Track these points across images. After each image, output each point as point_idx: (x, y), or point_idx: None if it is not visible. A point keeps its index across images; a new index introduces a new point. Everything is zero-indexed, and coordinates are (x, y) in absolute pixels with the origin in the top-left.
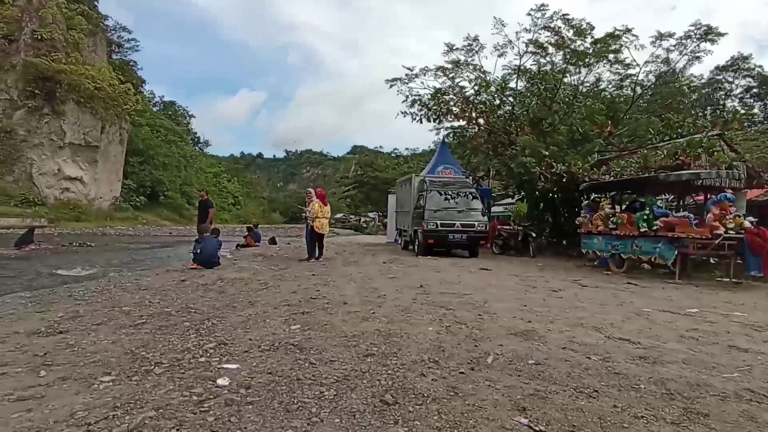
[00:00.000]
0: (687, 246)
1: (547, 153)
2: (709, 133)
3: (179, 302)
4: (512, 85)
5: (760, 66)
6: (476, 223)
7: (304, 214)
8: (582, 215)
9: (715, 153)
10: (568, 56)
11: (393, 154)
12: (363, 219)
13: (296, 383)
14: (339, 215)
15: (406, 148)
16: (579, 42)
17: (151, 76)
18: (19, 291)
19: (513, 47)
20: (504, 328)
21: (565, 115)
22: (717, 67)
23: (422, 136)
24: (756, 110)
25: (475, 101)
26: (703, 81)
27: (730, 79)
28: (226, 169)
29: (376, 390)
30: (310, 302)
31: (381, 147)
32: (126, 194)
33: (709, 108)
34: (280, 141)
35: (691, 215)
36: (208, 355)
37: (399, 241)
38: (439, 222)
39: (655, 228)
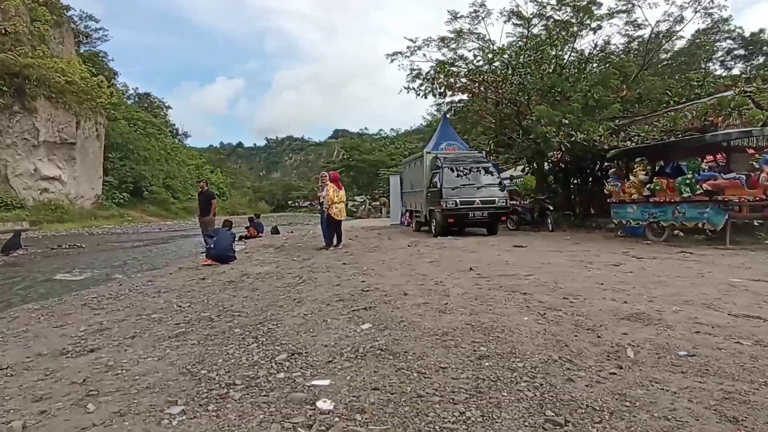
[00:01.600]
0: (738, 209)
1: (566, 121)
2: (742, 88)
3: (213, 304)
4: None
5: (740, 27)
6: (496, 199)
7: (318, 201)
8: (610, 184)
9: (746, 111)
10: (550, 26)
11: (378, 136)
12: (351, 203)
13: (420, 402)
14: None
15: (392, 129)
16: (562, 11)
17: (123, 68)
18: (24, 303)
19: (519, 14)
20: (607, 312)
21: (575, 81)
22: (698, 31)
23: (405, 116)
24: (736, 71)
25: (487, 71)
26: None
27: (711, 42)
28: (208, 161)
29: (528, 405)
30: (364, 295)
31: (366, 129)
32: (108, 192)
33: (692, 71)
34: (261, 129)
35: (742, 176)
36: (286, 369)
37: (405, 223)
38: (458, 200)
39: (699, 192)
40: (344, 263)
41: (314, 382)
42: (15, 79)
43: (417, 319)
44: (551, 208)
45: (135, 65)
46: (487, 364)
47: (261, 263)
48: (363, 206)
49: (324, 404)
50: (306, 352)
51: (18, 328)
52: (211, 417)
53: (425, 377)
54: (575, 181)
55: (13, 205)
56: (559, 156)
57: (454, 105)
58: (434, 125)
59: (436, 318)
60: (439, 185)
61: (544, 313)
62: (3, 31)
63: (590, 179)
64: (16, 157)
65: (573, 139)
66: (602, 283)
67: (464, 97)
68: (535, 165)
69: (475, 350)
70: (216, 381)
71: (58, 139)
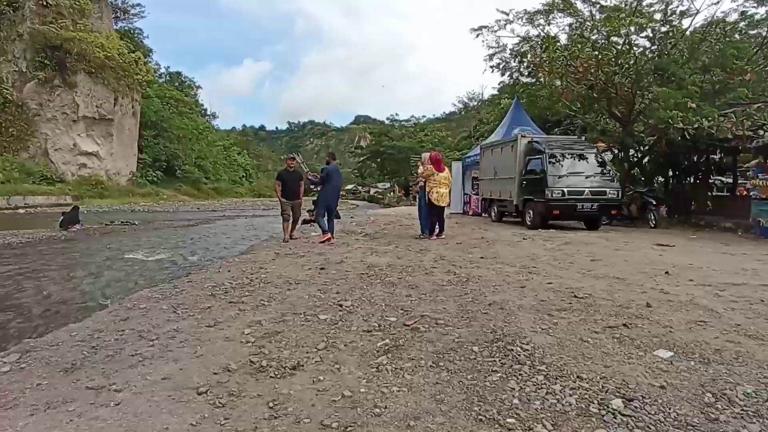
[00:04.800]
0: None
1: (694, 105)
2: None
3: (380, 304)
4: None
5: None
6: (608, 190)
7: (418, 183)
8: (758, 178)
9: None
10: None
11: (409, 122)
12: (374, 190)
13: None
14: (350, 186)
15: (423, 115)
16: None
17: (154, 45)
18: (122, 283)
19: None
20: None
21: (684, 62)
22: None
23: (427, 104)
24: None
25: (602, 46)
26: None
27: None
28: (235, 142)
29: None
30: (583, 304)
31: (397, 114)
32: (142, 169)
33: None
34: (283, 112)
35: None
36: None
37: (469, 212)
38: (565, 189)
39: None
40: (482, 257)
41: None
42: (56, 53)
43: (738, 348)
44: (654, 202)
45: (164, 44)
46: None
47: (372, 252)
48: (391, 193)
49: None
50: (641, 397)
51: (165, 326)
52: None
53: None
54: (671, 174)
55: (53, 179)
56: (659, 145)
57: (526, 87)
58: (463, 112)
59: None
60: (542, 173)
61: None
62: (45, 3)
63: (694, 173)
64: (56, 131)
65: (697, 126)
66: None
67: (539, 78)
68: (621, 155)
69: None
70: None
71: (97, 115)
